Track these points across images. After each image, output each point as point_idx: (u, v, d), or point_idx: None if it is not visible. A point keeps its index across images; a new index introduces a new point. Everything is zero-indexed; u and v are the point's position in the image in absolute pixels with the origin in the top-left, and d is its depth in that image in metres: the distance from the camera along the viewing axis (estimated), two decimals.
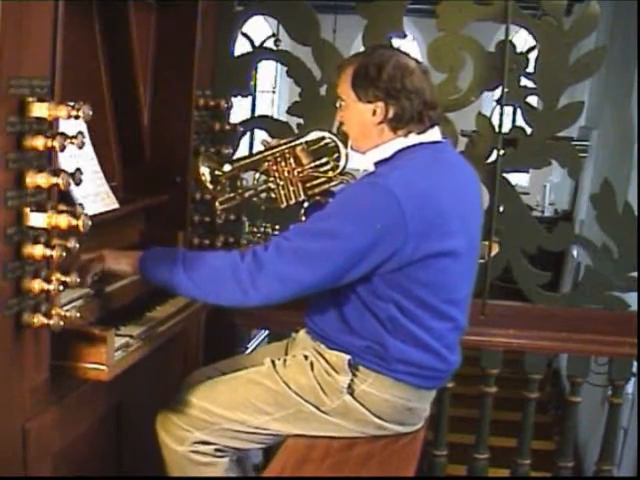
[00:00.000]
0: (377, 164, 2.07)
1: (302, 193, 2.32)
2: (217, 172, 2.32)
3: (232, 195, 2.40)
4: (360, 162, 2.15)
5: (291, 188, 2.32)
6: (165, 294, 2.26)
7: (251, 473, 2.53)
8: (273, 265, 1.93)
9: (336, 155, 2.29)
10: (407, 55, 2.11)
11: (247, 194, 2.39)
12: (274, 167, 2.33)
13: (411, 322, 2.02)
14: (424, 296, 2.01)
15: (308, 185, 2.33)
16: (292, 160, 2.33)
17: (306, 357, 2.15)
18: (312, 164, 2.33)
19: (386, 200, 1.91)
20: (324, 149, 2.34)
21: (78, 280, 1.71)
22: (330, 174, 2.30)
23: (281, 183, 2.33)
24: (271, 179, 2.34)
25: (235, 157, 2.42)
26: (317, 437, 2.12)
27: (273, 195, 2.35)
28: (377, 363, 2.06)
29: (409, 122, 2.04)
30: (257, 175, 2.40)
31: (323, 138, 2.32)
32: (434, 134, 2.09)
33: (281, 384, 2.12)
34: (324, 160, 2.32)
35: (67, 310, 1.71)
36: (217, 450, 2.15)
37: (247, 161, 2.38)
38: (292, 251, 1.94)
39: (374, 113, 2.05)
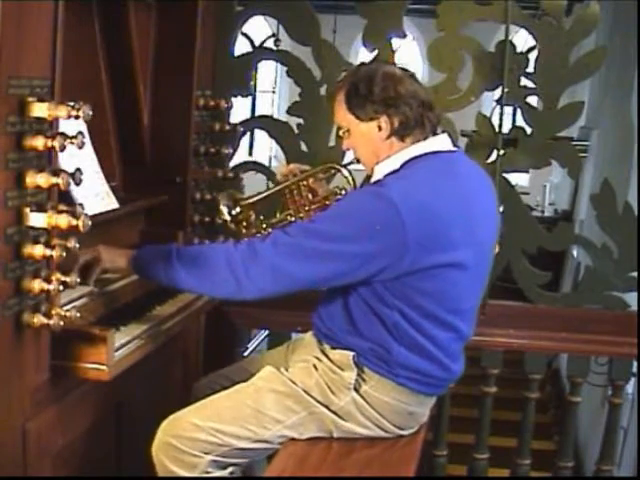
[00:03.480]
0: (386, 175, 2.05)
1: None
2: (234, 211, 2.38)
3: (255, 232, 2.41)
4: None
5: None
6: (164, 294, 2.27)
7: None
8: (268, 256, 1.93)
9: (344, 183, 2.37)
10: (389, 64, 2.12)
11: (270, 230, 2.40)
12: (290, 200, 2.39)
13: (415, 330, 2.01)
14: (427, 306, 1.99)
15: None
16: (307, 192, 2.39)
17: (307, 361, 2.14)
18: (323, 194, 2.39)
19: (387, 209, 1.89)
20: (335, 177, 2.45)
21: (78, 280, 1.71)
22: None
23: (300, 215, 2.38)
24: (290, 212, 2.40)
25: (249, 194, 2.48)
26: (318, 438, 2.12)
27: None
28: (380, 365, 2.05)
29: (415, 128, 2.03)
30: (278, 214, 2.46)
31: (332, 168, 2.39)
32: (444, 142, 2.07)
33: (289, 384, 2.09)
34: (334, 190, 2.40)
35: (67, 310, 1.71)
36: (232, 473, 2.10)
37: (263, 195, 2.42)
38: (289, 246, 1.94)
39: (380, 129, 2.04)
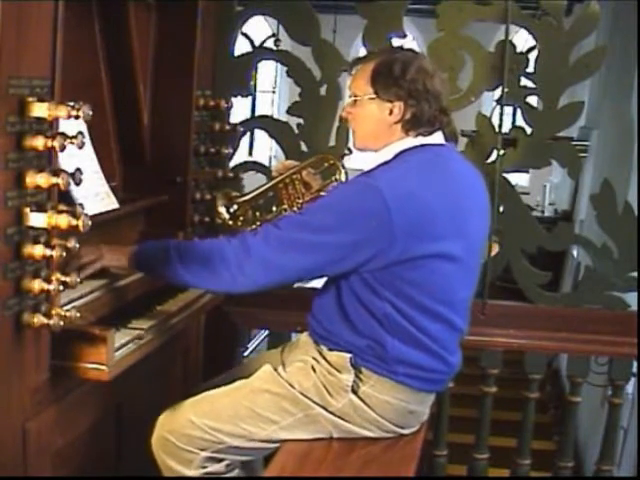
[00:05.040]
0: (377, 166, 2.06)
1: None
2: (231, 209, 2.40)
3: (254, 227, 2.42)
4: (363, 162, 2.15)
5: None
6: (165, 294, 2.27)
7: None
8: (259, 251, 1.96)
9: (337, 175, 2.38)
10: (425, 58, 2.12)
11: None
12: (285, 194, 2.41)
13: (406, 321, 2.02)
14: (416, 296, 2.00)
15: None
16: (301, 186, 2.41)
17: (305, 362, 2.14)
18: (317, 187, 2.40)
19: (373, 198, 1.91)
20: (330, 169, 2.43)
21: (78, 280, 1.71)
22: None
23: (294, 209, 2.39)
24: (285, 206, 2.42)
25: (246, 191, 2.52)
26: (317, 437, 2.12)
27: None
28: (377, 364, 2.05)
29: (424, 125, 2.04)
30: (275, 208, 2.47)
31: (325, 160, 2.41)
32: (437, 137, 2.08)
33: (286, 386, 2.10)
34: (327, 182, 2.40)
35: (67, 310, 1.71)
36: (227, 465, 2.13)
37: (258, 191, 2.44)
38: (279, 239, 1.97)
39: (391, 113, 2.04)
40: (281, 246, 1.96)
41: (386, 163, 2.04)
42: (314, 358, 2.13)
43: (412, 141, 2.05)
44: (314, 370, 2.11)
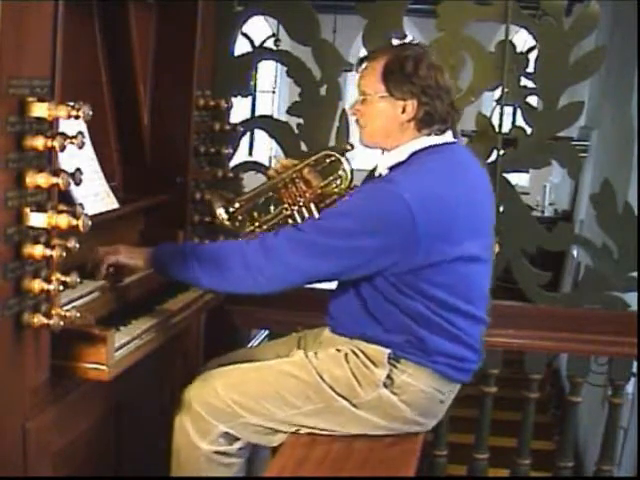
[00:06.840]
0: (391, 168, 2.05)
1: (316, 214, 2.34)
2: (231, 209, 2.37)
3: (252, 228, 2.40)
4: (366, 163, 2.14)
5: (305, 211, 2.35)
6: (164, 294, 2.28)
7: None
8: (281, 253, 1.97)
9: (341, 171, 2.32)
10: (433, 53, 2.11)
11: (266, 226, 2.40)
12: (285, 193, 2.37)
13: (440, 319, 2.03)
14: (445, 298, 2.01)
15: (321, 205, 2.36)
16: (302, 184, 2.37)
17: (339, 350, 2.12)
18: (320, 184, 2.36)
19: (397, 206, 1.91)
20: (331, 167, 2.39)
21: (78, 280, 1.71)
22: (338, 190, 2.33)
23: (295, 208, 2.36)
24: (285, 206, 2.38)
25: (245, 190, 2.50)
26: (317, 436, 2.12)
27: (290, 221, 2.37)
28: (418, 355, 2.05)
29: (437, 122, 2.04)
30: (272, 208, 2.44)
31: (328, 156, 2.35)
32: (449, 135, 2.08)
33: (315, 376, 2.09)
34: (330, 178, 2.36)
35: (67, 310, 1.71)
36: (240, 449, 2.14)
37: (257, 191, 2.41)
38: (302, 242, 1.97)
39: (404, 110, 2.02)
40: (303, 249, 1.96)
41: (401, 164, 2.03)
42: (349, 348, 2.11)
43: (426, 140, 2.05)
44: (347, 360, 2.09)
